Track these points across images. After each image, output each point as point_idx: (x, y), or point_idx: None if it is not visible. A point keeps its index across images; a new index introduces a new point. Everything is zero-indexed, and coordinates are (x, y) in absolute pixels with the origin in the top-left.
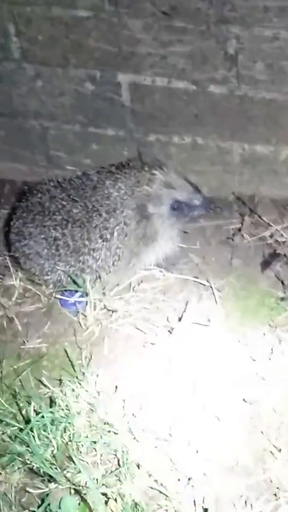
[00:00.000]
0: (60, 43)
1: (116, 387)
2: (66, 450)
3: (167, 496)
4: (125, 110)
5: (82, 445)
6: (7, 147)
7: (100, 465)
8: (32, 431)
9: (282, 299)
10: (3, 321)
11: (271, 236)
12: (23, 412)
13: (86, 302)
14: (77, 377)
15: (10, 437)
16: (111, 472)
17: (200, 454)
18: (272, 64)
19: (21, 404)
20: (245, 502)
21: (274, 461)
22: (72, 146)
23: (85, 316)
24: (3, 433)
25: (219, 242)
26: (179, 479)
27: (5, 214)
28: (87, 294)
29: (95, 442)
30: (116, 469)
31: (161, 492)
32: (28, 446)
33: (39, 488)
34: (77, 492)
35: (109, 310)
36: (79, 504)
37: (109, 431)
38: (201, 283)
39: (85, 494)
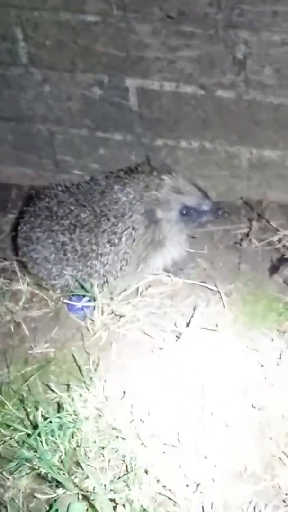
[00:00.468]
0: (68, 48)
1: (124, 392)
2: (74, 456)
3: (175, 502)
4: (133, 114)
5: (90, 451)
6: (14, 151)
7: (108, 470)
8: (40, 436)
9: None
10: (10, 326)
11: (279, 241)
12: (31, 417)
13: (94, 307)
14: (84, 382)
15: (18, 442)
16: (119, 477)
17: (208, 460)
18: (280, 68)
19: (28, 409)
20: (254, 508)
21: (283, 468)
22: (79, 150)
23: (93, 321)
24: (11, 438)
25: (227, 247)
26: (187, 485)
27: (13, 219)
28: (94, 299)
29: (103, 448)
30: (124, 474)
31: (169, 498)
32: (36, 451)
33: (47, 494)
34: (85, 497)
35: (116, 315)
36: (87, 510)
37: (117, 437)
38: (209, 288)
39: (93, 499)
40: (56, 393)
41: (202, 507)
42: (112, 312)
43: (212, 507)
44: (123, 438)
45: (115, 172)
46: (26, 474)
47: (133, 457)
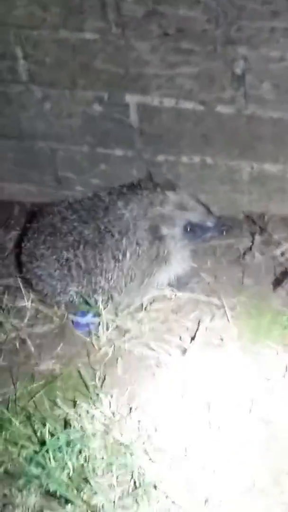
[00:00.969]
0: (68, 66)
1: (131, 408)
2: (82, 472)
3: None
4: (133, 130)
5: (98, 467)
6: (16, 168)
7: (116, 486)
8: (47, 453)
9: None
10: (15, 343)
11: (282, 254)
12: (38, 434)
13: (99, 323)
14: (91, 398)
15: (25, 459)
16: (128, 493)
17: (216, 474)
18: (279, 83)
19: (35, 426)
20: None
21: None
22: (80, 166)
23: (98, 336)
24: (18, 455)
25: (230, 261)
26: (196, 500)
27: (16, 236)
28: (99, 315)
29: (111, 464)
30: (133, 490)
31: None
32: (44, 468)
33: (56, 511)
34: None
35: (121, 331)
36: None
37: (125, 452)
38: (213, 303)
39: None
40: (63, 410)
41: None
42: (117, 328)
43: None
44: (131, 454)
45: (117, 188)
46: (34, 491)
47: (141, 473)
